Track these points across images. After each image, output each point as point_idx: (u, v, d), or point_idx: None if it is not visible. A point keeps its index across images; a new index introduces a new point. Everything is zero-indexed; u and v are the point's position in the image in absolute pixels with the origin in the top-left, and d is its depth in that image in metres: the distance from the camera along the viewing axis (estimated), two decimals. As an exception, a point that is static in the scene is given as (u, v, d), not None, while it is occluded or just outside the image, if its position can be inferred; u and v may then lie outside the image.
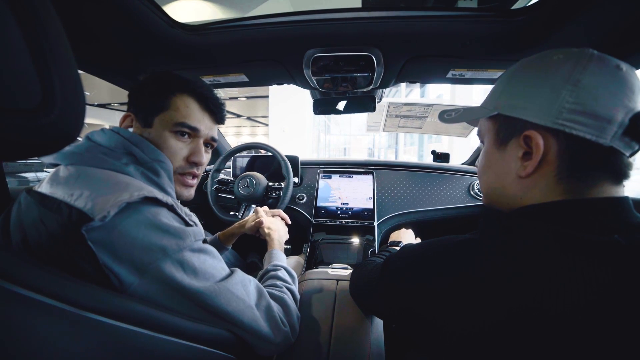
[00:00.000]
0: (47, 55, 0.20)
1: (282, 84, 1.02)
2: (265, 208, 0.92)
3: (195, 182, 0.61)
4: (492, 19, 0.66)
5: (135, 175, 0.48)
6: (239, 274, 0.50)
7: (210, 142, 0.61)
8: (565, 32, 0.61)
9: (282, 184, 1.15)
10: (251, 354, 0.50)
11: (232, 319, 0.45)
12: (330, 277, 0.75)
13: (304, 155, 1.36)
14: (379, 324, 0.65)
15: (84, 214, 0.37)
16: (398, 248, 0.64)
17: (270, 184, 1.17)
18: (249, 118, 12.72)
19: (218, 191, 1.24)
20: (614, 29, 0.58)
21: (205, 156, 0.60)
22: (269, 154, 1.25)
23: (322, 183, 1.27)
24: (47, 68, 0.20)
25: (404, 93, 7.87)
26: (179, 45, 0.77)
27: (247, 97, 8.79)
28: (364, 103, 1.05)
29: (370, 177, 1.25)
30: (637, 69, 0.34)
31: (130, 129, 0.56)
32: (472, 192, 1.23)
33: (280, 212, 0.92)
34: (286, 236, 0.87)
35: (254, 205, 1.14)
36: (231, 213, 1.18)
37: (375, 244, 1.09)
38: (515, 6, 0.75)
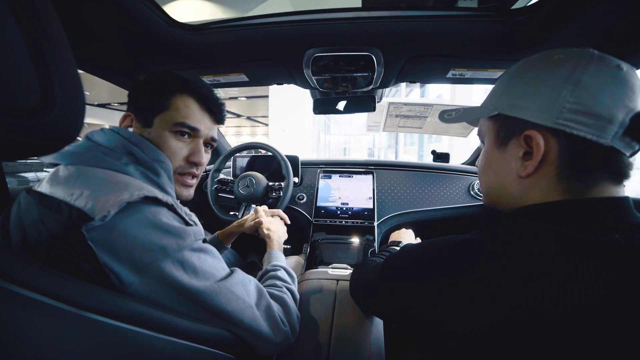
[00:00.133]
0: (46, 55, 0.20)
1: (282, 84, 1.02)
2: (265, 208, 0.92)
3: (194, 182, 0.61)
4: (492, 19, 0.66)
5: (135, 175, 0.48)
6: (239, 273, 0.50)
7: (210, 142, 0.62)
8: (565, 32, 0.61)
9: (282, 183, 1.15)
10: (251, 354, 0.50)
11: (232, 319, 0.45)
12: (330, 277, 0.75)
13: (303, 155, 1.36)
14: (379, 324, 0.65)
15: (84, 214, 0.37)
16: (398, 248, 0.64)
17: (270, 183, 1.17)
18: (248, 118, 12.72)
19: (218, 191, 1.24)
20: (614, 29, 0.58)
21: (205, 156, 0.60)
22: (269, 153, 1.25)
23: (322, 183, 1.27)
24: (47, 68, 0.20)
25: (404, 93, 7.87)
26: (179, 45, 0.77)
27: (247, 97, 8.79)
28: (364, 103, 1.05)
29: (370, 177, 1.25)
30: (637, 68, 0.34)
31: (130, 129, 0.56)
32: (472, 192, 1.23)
33: (280, 212, 0.92)
34: (285, 236, 0.87)
35: (253, 205, 1.14)
36: (231, 213, 1.18)
37: (375, 244, 1.09)
38: (515, 6, 0.75)
